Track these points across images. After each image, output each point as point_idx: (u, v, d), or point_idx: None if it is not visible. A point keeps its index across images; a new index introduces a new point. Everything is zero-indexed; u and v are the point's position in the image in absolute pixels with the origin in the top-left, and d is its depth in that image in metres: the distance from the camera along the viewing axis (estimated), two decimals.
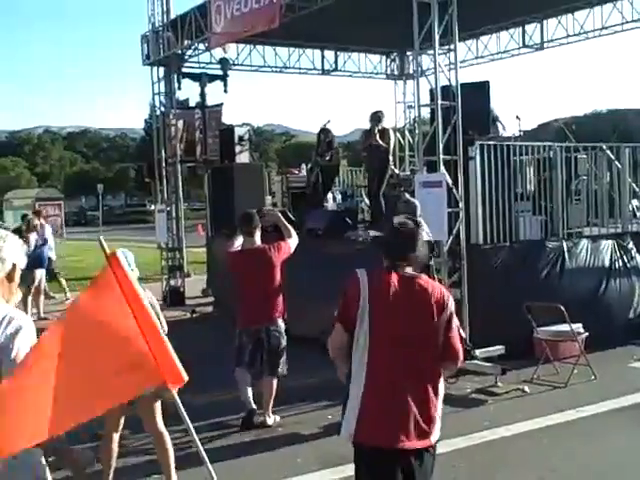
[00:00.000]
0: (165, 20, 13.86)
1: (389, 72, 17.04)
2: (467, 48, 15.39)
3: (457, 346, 3.41)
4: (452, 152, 8.47)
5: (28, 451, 2.70)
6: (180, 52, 13.98)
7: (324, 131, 12.56)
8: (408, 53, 16.40)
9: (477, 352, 8.07)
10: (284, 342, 6.74)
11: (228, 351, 6.89)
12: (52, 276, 14.67)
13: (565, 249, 9.27)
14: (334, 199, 13.96)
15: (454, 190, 8.46)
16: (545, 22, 14.17)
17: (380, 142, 11.01)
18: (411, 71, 16.27)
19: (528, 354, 8.33)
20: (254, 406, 6.69)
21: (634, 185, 10.60)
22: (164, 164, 14.24)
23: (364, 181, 12.78)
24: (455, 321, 3.42)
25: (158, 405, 5.14)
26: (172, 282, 14.30)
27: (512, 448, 6.01)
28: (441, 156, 8.37)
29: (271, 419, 6.73)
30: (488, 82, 9.85)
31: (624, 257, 9.79)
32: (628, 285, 9.69)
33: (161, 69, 14.33)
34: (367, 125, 11.33)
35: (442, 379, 3.42)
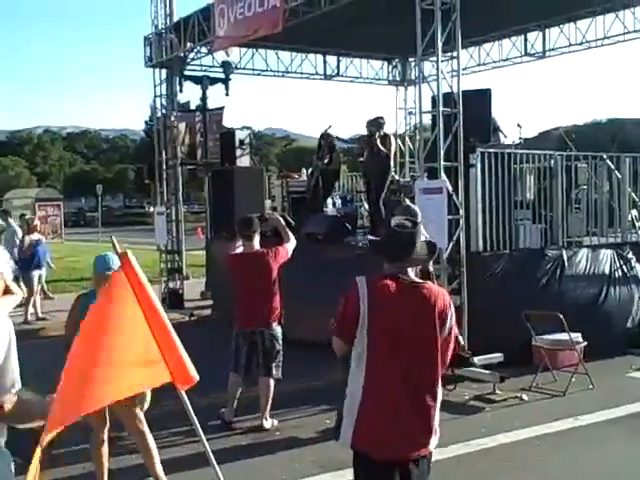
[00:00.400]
0: (168, 23, 13.89)
1: (391, 78, 17.08)
2: (469, 55, 15.43)
3: (447, 357, 3.41)
4: (453, 159, 8.48)
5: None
6: (182, 55, 14.00)
7: (325, 136, 12.58)
8: (410, 59, 16.45)
9: (476, 359, 8.06)
10: (278, 346, 6.77)
11: (226, 354, 6.89)
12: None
13: (564, 258, 9.28)
14: (334, 204, 13.97)
15: (454, 197, 8.47)
16: (547, 31, 14.21)
17: (381, 148, 11.02)
18: (413, 77, 16.31)
19: (527, 362, 8.34)
20: (231, 418, 6.78)
21: (634, 195, 10.61)
22: (164, 166, 14.26)
23: (363, 187, 12.79)
24: (455, 330, 3.41)
25: (138, 409, 5.14)
26: (171, 284, 14.30)
27: (510, 455, 6.00)
28: (442, 163, 8.38)
29: (268, 422, 6.72)
30: (490, 90, 9.85)
31: (623, 267, 9.79)
32: (627, 295, 9.70)
33: (163, 71, 14.35)
34: (366, 131, 11.35)
35: (440, 387, 3.41)
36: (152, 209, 19.05)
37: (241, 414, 6.87)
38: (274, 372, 6.74)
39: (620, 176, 10.30)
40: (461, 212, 8.55)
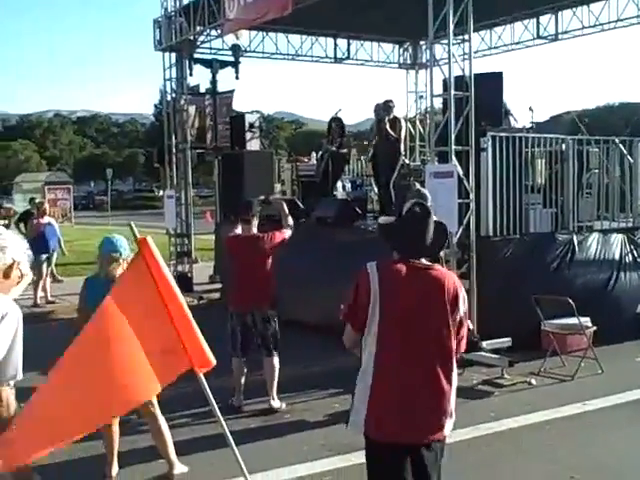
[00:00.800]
0: (178, 6, 13.82)
1: (401, 61, 16.96)
2: (481, 38, 15.29)
3: (463, 344, 3.40)
4: (464, 143, 8.43)
5: None
6: (192, 38, 13.93)
7: (335, 120, 12.54)
8: (421, 42, 16.31)
9: (484, 344, 8.06)
10: (271, 328, 6.81)
11: None
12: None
13: (575, 242, 9.23)
14: (344, 188, 13.95)
15: (465, 181, 8.43)
16: (560, 13, 14.06)
17: (390, 132, 10.97)
18: (424, 60, 16.20)
19: (535, 347, 8.32)
20: (240, 403, 6.82)
21: None
22: (174, 150, 14.25)
23: (372, 171, 12.76)
24: (466, 315, 3.39)
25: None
26: (180, 268, 14.33)
27: (518, 440, 6.01)
28: (453, 147, 8.34)
29: (277, 402, 6.79)
30: (501, 73, 9.78)
31: (634, 251, 9.74)
32: (637, 279, 9.64)
33: (173, 55, 14.29)
34: (374, 116, 11.30)
35: (455, 371, 3.38)
36: (161, 193, 19.07)
37: (249, 397, 6.91)
38: (270, 352, 6.80)
39: (632, 160, 10.22)
40: (471, 196, 8.51)
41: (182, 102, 14.36)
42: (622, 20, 13.04)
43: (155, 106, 62.67)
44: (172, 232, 14.49)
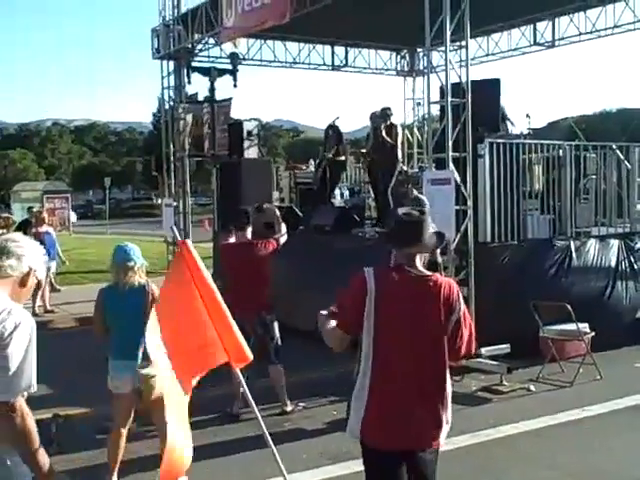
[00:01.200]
0: (176, 14, 13.86)
1: (399, 68, 17.01)
2: (478, 45, 15.35)
3: (463, 348, 3.37)
4: (461, 149, 8.45)
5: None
6: (190, 46, 13.98)
7: (332, 127, 12.56)
8: (418, 50, 16.37)
9: (483, 350, 8.04)
10: (271, 333, 6.88)
11: None
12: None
13: (573, 248, 9.24)
14: (342, 195, 13.96)
15: (462, 188, 8.44)
16: (557, 20, 14.11)
17: (387, 139, 10.99)
18: (421, 67, 16.24)
19: (534, 353, 8.31)
20: (238, 411, 6.81)
21: None
22: (172, 158, 14.26)
23: (368, 178, 12.78)
24: (467, 319, 3.37)
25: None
26: None
27: (517, 446, 6.00)
28: (450, 153, 8.35)
29: (289, 406, 6.82)
30: (499, 80, 9.82)
31: (632, 257, 9.74)
32: (635, 285, 9.65)
33: (171, 63, 14.34)
34: (370, 124, 11.32)
35: (449, 380, 3.39)
36: (160, 201, 19.07)
37: (247, 405, 6.88)
38: (273, 358, 6.85)
39: (629, 166, 10.25)
40: (469, 202, 8.52)
41: (180, 110, 14.39)
42: (619, 26, 13.09)
43: (153, 114, 62.70)
44: (170, 240, 14.47)
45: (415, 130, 16.32)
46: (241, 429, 6.48)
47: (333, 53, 16.00)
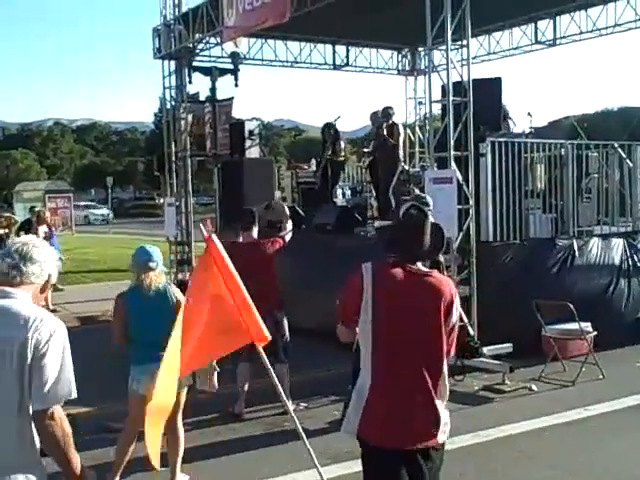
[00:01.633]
0: (176, 13, 13.85)
1: (400, 68, 16.97)
2: (479, 44, 15.29)
3: (453, 348, 3.39)
4: (463, 148, 8.44)
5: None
6: (191, 46, 13.96)
7: (329, 126, 12.56)
8: (420, 49, 16.34)
9: (485, 350, 8.04)
10: (280, 332, 6.86)
11: None
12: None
13: (575, 247, 9.23)
14: (343, 195, 13.94)
15: (464, 187, 8.43)
16: (558, 18, 14.05)
17: (389, 138, 10.98)
18: (422, 67, 16.21)
19: (536, 352, 8.30)
20: (241, 410, 6.82)
21: None
22: (174, 158, 14.26)
23: (369, 178, 12.77)
24: (457, 326, 3.37)
25: (182, 401, 5.13)
26: (180, 276, 14.32)
27: (519, 446, 5.99)
28: (452, 152, 8.34)
29: (292, 405, 6.80)
30: (500, 78, 9.81)
31: (634, 256, 9.74)
32: (638, 284, 9.64)
33: (172, 63, 14.32)
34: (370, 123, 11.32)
35: (447, 378, 3.37)
36: (162, 201, 19.08)
37: (249, 405, 6.89)
38: (282, 357, 6.84)
39: (631, 165, 10.23)
40: (471, 202, 8.51)
41: (181, 110, 14.37)
42: (620, 25, 13.04)
43: (155, 114, 62.70)
44: (172, 240, 14.48)
45: (417, 129, 16.29)
46: (243, 429, 6.48)
47: (334, 52, 15.96)
